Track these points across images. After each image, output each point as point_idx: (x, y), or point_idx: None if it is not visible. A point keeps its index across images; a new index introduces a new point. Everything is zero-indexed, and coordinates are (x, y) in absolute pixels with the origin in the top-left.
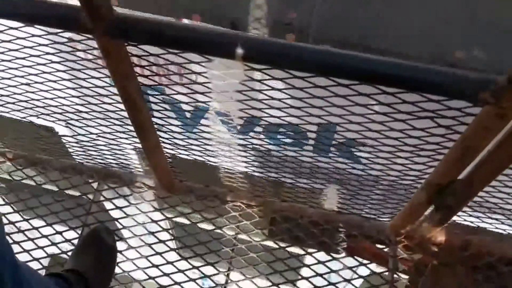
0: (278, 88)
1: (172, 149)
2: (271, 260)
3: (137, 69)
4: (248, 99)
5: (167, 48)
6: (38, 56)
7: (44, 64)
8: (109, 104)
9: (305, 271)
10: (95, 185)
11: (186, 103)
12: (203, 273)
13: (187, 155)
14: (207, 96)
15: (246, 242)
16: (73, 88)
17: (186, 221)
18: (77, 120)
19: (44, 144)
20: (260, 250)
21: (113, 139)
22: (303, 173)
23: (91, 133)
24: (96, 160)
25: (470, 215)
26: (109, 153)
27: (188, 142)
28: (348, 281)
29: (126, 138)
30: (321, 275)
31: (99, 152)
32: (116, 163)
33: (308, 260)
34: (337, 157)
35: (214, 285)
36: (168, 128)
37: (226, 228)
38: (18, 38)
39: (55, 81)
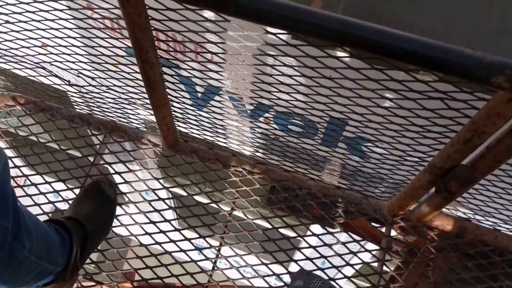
0: (290, 64)
1: (180, 109)
2: (263, 239)
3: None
4: (260, 73)
5: (185, 2)
6: (56, 0)
7: (61, 10)
8: (122, 56)
9: (298, 253)
10: (101, 137)
11: (200, 79)
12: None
13: (195, 117)
14: (220, 74)
15: (240, 219)
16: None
17: (183, 193)
18: (89, 70)
19: (55, 92)
20: (254, 228)
21: (122, 93)
22: (306, 159)
23: (102, 85)
24: (104, 112)
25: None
26: (117, 107)
27: (196, 102)
28: (340, 255)
29: (135, 93)
30: (314, 247)
31: (108, 105)
32: (123, 118)
33: (302, 244)
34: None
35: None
36: (178, 87)
37: (223, 203)
38: None
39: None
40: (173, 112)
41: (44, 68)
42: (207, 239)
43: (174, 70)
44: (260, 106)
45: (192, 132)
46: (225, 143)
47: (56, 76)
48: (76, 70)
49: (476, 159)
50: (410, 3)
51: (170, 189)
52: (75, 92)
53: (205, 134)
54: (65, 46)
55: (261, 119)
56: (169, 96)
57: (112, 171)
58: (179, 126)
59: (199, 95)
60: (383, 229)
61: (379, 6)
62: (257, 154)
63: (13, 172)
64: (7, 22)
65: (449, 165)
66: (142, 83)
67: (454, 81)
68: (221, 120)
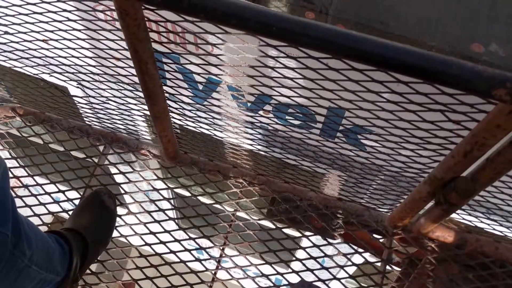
0: (291, 67)
1: (180, 120)
2: (267, 239)
3: (153, 35)
4: (260, 75)
5: (183, 14)
6: (55, 12)
7: (60, 21)
8: (122, 68)
9: (299, 253)
10: (101, 148)
11: (199, 74)
12: (198, 245)
13: (194, 127)
14: (220, 69)
15: (243, 220)
16: (88, 49)
17: (187, 193)
18: (88, 81)
19: (54, 103)
20: (257, 228)
21: (122, 104)
22: (307, 156)
23: (102, 96)
24: (104, 123)
25: (469, 214)
26: (117, 118)
27: (196, 114)
28: (341, 267)
29: (135, 104)
30: (315, 258)
31: (108, 116)
32: (123, 129)
33: (304, 243)
34: (342, 143)
35: (209, 257)
36: (178, 98)
37: (226, 204)
38: None
39: (70, 40)
40: (173, 124)
41: (43, 80)
42: (208, 250)
43: (172, 65)
44: (261, 97)
45: (187, 124)
46: (222, 138)
47: (55, 87)
48: (76, 81)
49: (476, 171)
50: None
51: (169, 200)
52: (74, 103)
53: (201, 127)
54: (65, 57)
55: (261, 112)
56: (169, 108)
57: (112, 181)
58: (178, 137)
59: (199, 86)
60: (384, 240)
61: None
62: (258, 149)
63: (12, 182)
64: (6, 33)
65: (449, 177)
66: (142, 94)
67: (455, 94)
68: (220, 119)
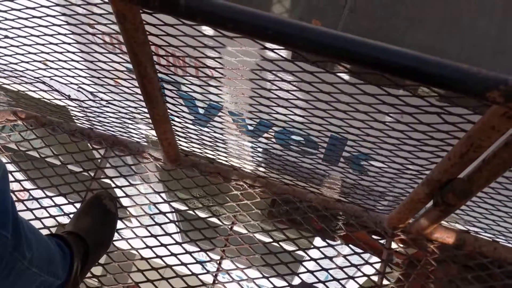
0: (287, 80)
1: (180, 123)
2: (264, 252)
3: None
4: (258, 88)
5: (181, 18)
6: (54, 16)
7: (59, 25)
8: (122, 71)
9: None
10: (102, 151)
11: (200, 94)
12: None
13: (195, 129)
14: (219, 89)
15: (240, 233)
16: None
17: (185, 207)
18: (89, 85)
19: (56, 107)
20: (254, 242)
21: (122, 107)
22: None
23: (102, 99)
24: (105, 126)
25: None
26: (118, 122)
27: (196, 117)
28: (341, 268)
29: (135, 107)
30: (315, 260)
31: (108, 120)
32: (124, 132)
33: (302, 256)
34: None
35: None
36: (177, 101)
37: (223, 217)
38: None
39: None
40: (173, 127)
41: (44, 83)
42: (208, 252)
43: (173, 85)
44: (261, 122)
45: (193, 147)
46: (225, 157)
47: (56, 90)
48: (76, 84)
49: (473, 172)
50: (408, 21)
51: (171, 203)
52: (75, 107)
53: (205, 149)
54: (64, 61)
55: (263, 135)
56: (169, 111)
57: (113, 185)
58: (179, 140)
59: (200, 110)
60: (384, 242)
61: (377, 24)
62: (259, 169)
63: (14, 186)
64: (6, 37)
65: (446, 178)
66: (142, 98)
67: (452, 97)
68: (221, 134)
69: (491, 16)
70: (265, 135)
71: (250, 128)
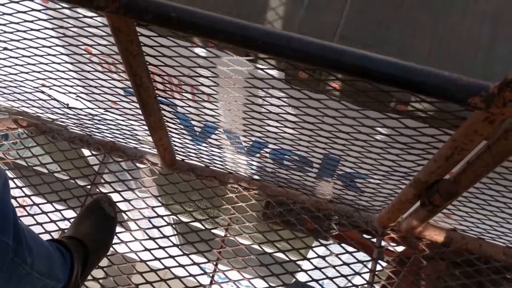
0: (277, 96)
1: (175, 129)
2: (257, 264)
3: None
4: (250, 103)
5: (174, 30)
6: (52, 29)
7: (58, 38)
8: (118, 81)
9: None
10: (100, 157)
11: (197, 115)
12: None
13: (190, 135)
14: (214, 111)
15: (234, 244)
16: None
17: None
18: (87, 94)
19: (55, 114)
20: (247, 254)
21: (120, 115)
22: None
23: (100, 107)
24: (103, 133)
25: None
26: (115, 128)
27: (191, 124)
28: (333, 266)
29: (132, 115)
30: (308, 259)
31: (106, 126)
32: (122, 138)
33: (293, 267)
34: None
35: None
36: (173, 109)
37: (219, 219)
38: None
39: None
40: (169, 133)
41: (43, 92)
42: (205, 254)
43: (171, 107)
44: (256, 143)
45: (189, 153)
46: (221, 163)
47: (55, 99)
48: (74, 93)
49: (458, 174)
50: (397, 49)
51: (168, 206)
52: (74, 115)
53: (201, 155)
54: (63, 71)
55: (257, 155)
56: (164, 118)
57: (112, 190)
58: (175, 146)
59: (196, 129)
60: (375, 240)
61: (368, 50)
62: (254, 177)
63: (15, 192)
64: (5, 49)
65: (432, 179)
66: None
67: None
68: (217, 146)
69: (478, 44)
70: (260, 154)
71: (244, 146)
